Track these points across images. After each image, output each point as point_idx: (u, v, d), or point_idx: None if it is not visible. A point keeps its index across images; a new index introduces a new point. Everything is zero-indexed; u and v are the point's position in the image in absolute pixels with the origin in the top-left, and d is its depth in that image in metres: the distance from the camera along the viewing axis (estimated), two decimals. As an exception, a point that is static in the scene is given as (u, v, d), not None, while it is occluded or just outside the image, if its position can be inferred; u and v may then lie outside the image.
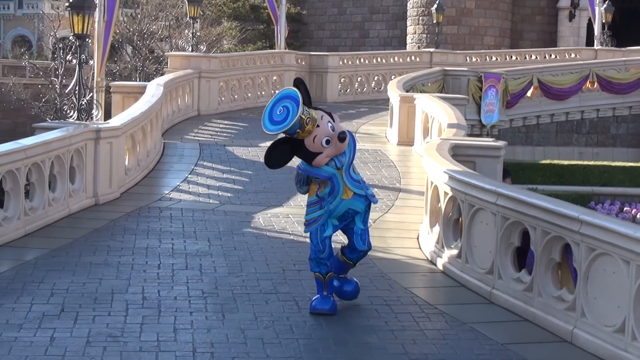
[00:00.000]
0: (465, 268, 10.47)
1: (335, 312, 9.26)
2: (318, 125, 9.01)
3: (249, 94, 30.03)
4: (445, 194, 11.17)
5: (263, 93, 30.55)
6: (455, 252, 10.81)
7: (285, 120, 8.90)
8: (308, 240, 12.12)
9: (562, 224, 8.58)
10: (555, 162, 28.72)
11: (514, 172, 18.73)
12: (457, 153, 13.19)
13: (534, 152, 33.97)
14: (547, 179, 26.35)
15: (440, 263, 11.12)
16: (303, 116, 8.88)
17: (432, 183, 11.80)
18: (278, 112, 8.98)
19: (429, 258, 11.55)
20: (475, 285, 10.17)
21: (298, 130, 8.92)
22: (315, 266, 9.38)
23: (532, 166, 27.46)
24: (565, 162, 28.52)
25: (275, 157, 9.31)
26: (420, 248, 12.14)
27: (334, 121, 9.21)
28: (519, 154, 32.53)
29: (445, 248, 11.07)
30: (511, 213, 9.52)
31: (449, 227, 11.16)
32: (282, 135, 9.09)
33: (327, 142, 9.08)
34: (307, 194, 9.46)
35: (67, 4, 18.02)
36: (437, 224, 11.50)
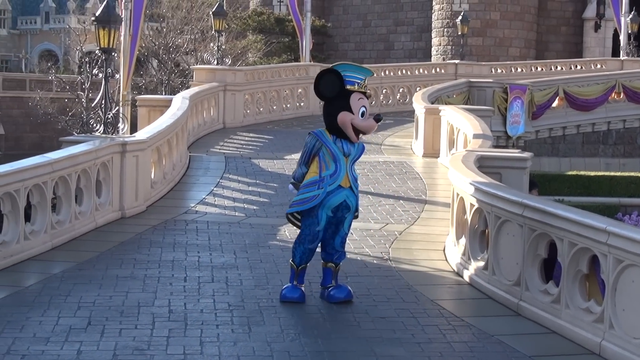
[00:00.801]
0: (492, 280, 10.43)
1: (304, 301, 9.80)
2: (367, 96, 9.74)
3: (274, 107, 30.07)
4: (472, 205, 11.14)
5: (288, 106, 30.59)
6: (481, 263, 10.77)
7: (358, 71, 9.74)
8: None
9: (590, 235, 8.53)
10: (582, 173, 28.60)
11: (541, 184, 18.67)
12: (483, 164, 13.15)
13: (560, 164, 33.84)
14: (574, 190, 26.25)
15: (466, 275, 11.08)
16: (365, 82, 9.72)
17: (458, 195, 11.77)
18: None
19: (456, 270, 11.51)
20: (502, 297, 10.12)
21: (358, 83, 9.61)
22: (297, 256, 9.87)
23: (558, 177, 27.38)
24: (592, 173, 28.40)
25: (325, 83, 9.70)
26: (446, 260, 12.10)
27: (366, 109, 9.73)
28: (545, 165, 32.41)
29: (472, 260, 11.03)
30: (538, 225, 9.47)
31: (475, 239, 11.11)
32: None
33: (362, 114, 9.60)
34: (300, 182, 9.81)
35: (93, 19, 18.11)
36: (464, 236, 11.46)
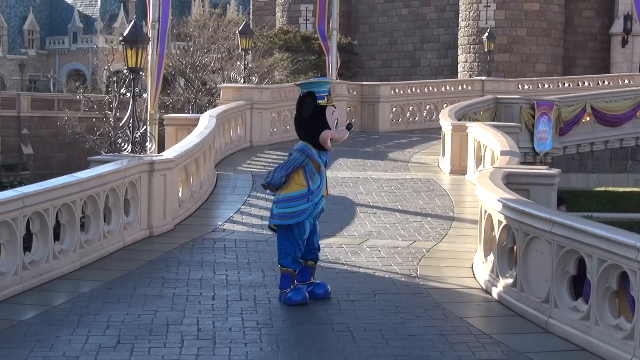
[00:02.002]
0: (521, 297, 10.38)
1: (308, 300, 10.42)
2: (335, 108, 10.55)
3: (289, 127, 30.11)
4: (499, 222, 11.10)
5: (315, 123, 30.56)
6: (510, 280, 10.72)
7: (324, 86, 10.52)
8: (362, 270, 12.17)
9: (619, 252, 8.48)
10: (610, 189, 28.50)
11: (569, 200, 18.60)
12: (511, 181, 13.11)
13: (588, 180, 33.71)
14: (602, 207, 26.14)
15: (495, 292, 11.04)
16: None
17: (485, 212, 11.74)
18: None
19: (484, 287, 11.47)
20: (531, 314, 10.07)
21: (326, 95, 10.38)
22: (291, 263, 10.46)
23: (586, 193, 27.28)
24: (621, 189, 28.29)
25: (306, 108, 10.42)
26: (474, 277, 12.06)
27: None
28: (573, 182, 32.31)
29: (500, 277, 10.99)
30: (566, 241, 9.43)
31: (504, 256, 11.08)
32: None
33: (336, 125, 10.46)
34: (280, 190, 10.40)
35: (121, 39, 18.24)
36: (492, 253, 11.42)
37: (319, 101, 10.35)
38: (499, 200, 11.02)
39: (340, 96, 32.83)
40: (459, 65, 57.93)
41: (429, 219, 16.08)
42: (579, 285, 9.75)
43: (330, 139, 10.41)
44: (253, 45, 40.44)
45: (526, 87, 42.23)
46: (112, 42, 59.60)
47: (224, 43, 53.05)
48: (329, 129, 10.37)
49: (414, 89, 36.82)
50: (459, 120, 24.37)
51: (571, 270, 9.51)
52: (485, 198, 11.65)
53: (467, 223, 15.57)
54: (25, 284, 10.90)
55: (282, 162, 10.63)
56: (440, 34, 62.21)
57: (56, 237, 11.77)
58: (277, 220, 10.43)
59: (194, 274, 11.96)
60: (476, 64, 55.79)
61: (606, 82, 43.64)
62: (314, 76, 54.78)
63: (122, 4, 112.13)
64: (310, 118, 10.40)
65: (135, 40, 17.61)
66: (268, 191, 10.69)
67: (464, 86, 39.76)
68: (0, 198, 10.69)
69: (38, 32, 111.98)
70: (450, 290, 11.49)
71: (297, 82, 11.02)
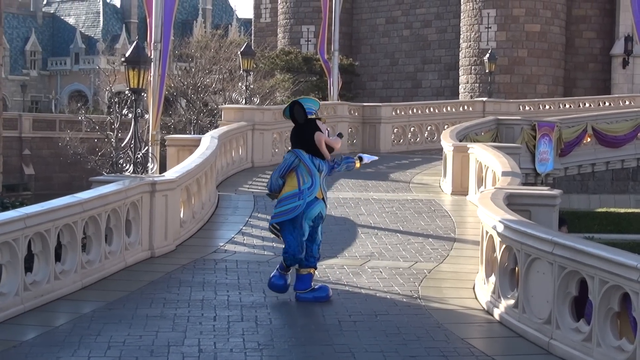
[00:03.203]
0: (523, 318, 10.37)
1: (287, 290, 11.61)
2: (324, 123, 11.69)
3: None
4: (501, 243, 11.10)
5: (316, 144, 30.60)
6: (512, 302, 10.71)
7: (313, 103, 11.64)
8: (364, 291, 12.17)
9: (621, 273, 8.47)
10: (612, 210, 28.49)
11: (570, 221, 18.58)
12: (512, 202, 13.11)
13: (590, 201, 33.71)
14: (604, 228, 26.13)
15: (496, 313, 11.03)
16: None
17: (487, 232, 11.74)
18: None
19: (486, 308, 11.46)
20: (533, 335, 10.06)
21: (314, 111, 11.47)
22: (289, 262, 11.47)
23: (588, 215, 27.27)
24: (622, 210, 28.28)
25: (297, 111, 11.44)
26: (476, 298, 12.05)
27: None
28: (574, 203, 32.31)
29: (502, 298, 10.98)
30: (568, 262, 9.42)
31: (505, 277, 11.07)
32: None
33: (328, 134, 11.54)
34: (278, 193, 11.47)
35: (123, 59, 18.27)
36: (493, 274, 11.42)
37: (309, 116, 11.43)
38: (500, 221, 11.02)
39: (341, 117, 32.90)
40: (460, 87, 58.01)
41: (430, 240, 16.08)
42: (580, 307, 9.75)
43: (326, 145, 11.39)
44: (255, 66, 40.51)
45: (527, 108, 42.30)
46: (114, 63, 59.82)
47: (225, 64, 53.17)
48: (320, 132, 11.39)
49: (415, 110, 36.87)
50: (461, 141, 24.40)
51: (573, 291, 9.50)
52: (487, 219, 11.66)
53: (468, 244, 15.57)
54: (27, 304, 10.89)
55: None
56: (441, 55, 62.34)
57: (57, 257, 11.77)
58: (274, 219, 11.46)
59: (196, 294, 11.96)
60: (477, 85, 55.88)
61: (607, 104, 43.70)
62: (315, 97, 54.90)
63: (124, 25, 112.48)
64: (304, 126, 11.41)
65: (137, 61, 17.62)
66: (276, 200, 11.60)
67: (465, 107, 39.81)
68: (1, 218, 10.70)
69: (40, 53, 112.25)
70: (451, 311, 11.48)
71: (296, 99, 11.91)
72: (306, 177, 11.33)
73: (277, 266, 11.76)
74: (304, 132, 11.43)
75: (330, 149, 11.45)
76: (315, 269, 11.73)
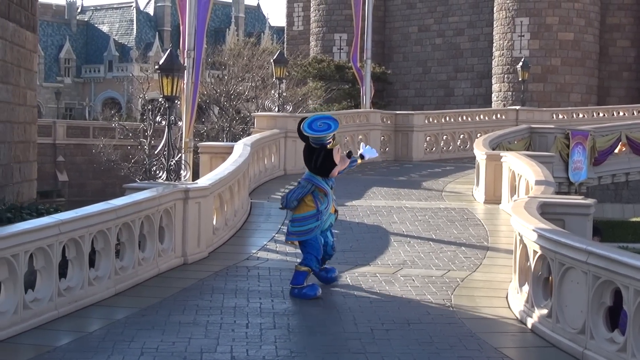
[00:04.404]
0: (556, 328, 10.32)
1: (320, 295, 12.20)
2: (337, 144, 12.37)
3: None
4: (535, 252, 11.05)
5: (349, 152, 30.55)
6: (545, 311, 10.66)
7: (327, 130, 12.20)
8: (396, 299, 12.15)
9: (656, 282, 8.41)
10: (646, 219, 28.27)
11: (604, 230, 18.48)
12: (546, 211, 13.05)
13: (624, 210, 33.54)
14: (638, 237, 25.94)
15: (530, 322, 10.97)
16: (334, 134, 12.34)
17: (520, 241, 11.68)
18: (318, 125, 12.25)
19: (519, 317, 11.40)
20: (567, 345, 10.00)
21: (330, 140, 12.19)
22: (314, 265, 12.41)
23: (622, 224, 27.13)
24: (657, 220, 28.06)
25: (326, 164, 12.28)
26: (509, 307, 11.99)
27: None
28: (608, 212, 32.16)
29: (535, 307, 10.93)
30: (602, 272, 9.37)
31: (539, 286, 11.02)
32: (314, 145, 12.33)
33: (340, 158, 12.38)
34: (294, 210, 12.43)
35: (156, 67, 18.35)
36: (527, 283, 11.36)
37: (327, 146, 12.18)
38: (534, 230, 10.97)
39: (374, 125, 32.87)
40: (492, 95, 57.89)
41: (463, 248, 16.03)
42: (615, 316, 9.68)
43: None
44: (287, 74, 40.57)
45: (560, 116, 42.11)
46: (147, 71, 60.15)
47: (258, 72, 53.30)
48: (336, 165, 12.30)
49: (447, 118, 36.79)
50: (493, 149, 24.31)
51: (607, 301, 9.44)
52: (520, 228, 11.61)
53: (501, 253, 15.50)
54: (61, 310, 10.96)
55: (292, 187, 12.57)
56: (474, 63, 62.25)
57: (91, 263, 11.83)
58: (293, 237, 12.48)
59: (228, 301, 11.98)
60: (510, 93, 55.72)
61: (641, 112, 43.42)
62: (347, 105, 54.95)
63: (157, 33, 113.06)
64: (320, 158, 12.25)
65: (171, 68, 17.69)
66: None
67: (498, 115, 39.68)
68: (36, 225, 10.77)
69: (74, 61, 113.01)
70: (484, 320, 11.44)
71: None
72: (322, 198, 12.33)
73: (294, 277, 12.45)
74: (318, 155, 12.28)
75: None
76: (313, 269, 12.46)
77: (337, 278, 12.97)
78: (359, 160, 13.05)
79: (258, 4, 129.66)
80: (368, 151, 13.21)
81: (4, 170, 20.98)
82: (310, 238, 12.32)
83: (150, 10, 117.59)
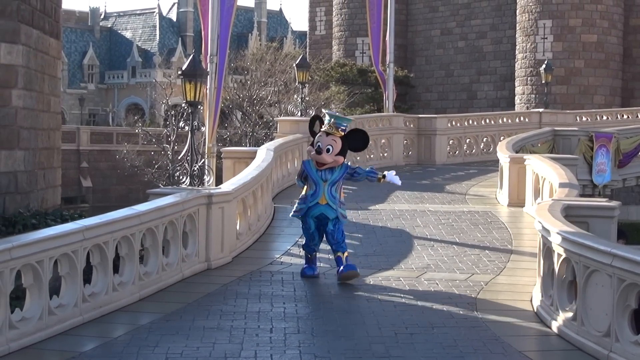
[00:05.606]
0: (581, 331, 10.28)
1: (318, 275, 13.77)
2: (326, 135, 13.39)
3: (358, 157, 30.08)
4: (559, 255, 11.01)
5: (372, 156, 30.63)
6: (570, 314, 10.62)
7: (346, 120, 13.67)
8: (420, 303, 12.18)
9: (681, 285, 8.37)
10: (671, 221, 28.10)
11: (629, 233, 18.40)
12: (570, 214, 13.01)
13: (649, 212, 33.31)
14: (664, 239, 25.77)
15: (554, 326, 10.94)
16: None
17: (544, 244, 11.65)
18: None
19: (543, 320, 11.37)
20: (592, 348, 9.96)
21: (345, 127, 13.37)
22: (305, 248, 13.80)
23: (647, 226, 26.92)
24: (682, 222, 27.89)
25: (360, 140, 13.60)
26: (533, 310, 11.96)
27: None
28: (632, 214, 32.02)
29: (560, 310, 10.89)
30: (627, 275, 9.33)
31: (563, 289, 10.98)
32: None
33: (319, 147, 13.30)
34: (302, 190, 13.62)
35: (179, 72, 18.42)
36: (551, 286, 11.32)
37: (340, 129, 13.38)
38: (558, 233, 10.94)
39: (397, 129, 32.84)
40: (516, 97, 57.74)
41: (487, 251, 15.99)
42: (640, 319, 9.64)
43: (319, 157, 13.24)
44: (310, 78, 40.56)
45: (584, 119, 41.95)
46: (170, 76, 60.22)
47: (280, 76, 53.35)
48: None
49: (470, 122, 36.72)
50: (517, 152, 24.24)
51: (632, 304, 9.39)
52: (544, 231, 11.57)
53: (525, 256, 15.46)
54: (85, 315, 11.00)
55: None
56: (497, 66, 62.11)
57: (115, 269, 11.87)
58: (292, 214, 13.87)
59: (252, 306, 11.99)
60: (533, 96, 55.56)
61: (666, 114, 43.20)
62: (370, 109, 54.97)
63: (180, 39, 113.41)
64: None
65: (194, 74, 17.76)
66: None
67: (521, 118, 39.58)
68: (61, 231, 10.82)
69: (98, 67, 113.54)
70: (509, 324, 11.41)
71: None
72: (312, 185, 13.40)
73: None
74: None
75: (325, 159, 13.23)
76: (343, 252, 13.45)
77: (311, 276, 13.74)
78: (380, 177, 13.73)
79: (280, 9, 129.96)
80: (391, 176, 13.79)
81: (28, 176, 21.09)
82: (301, 219, 13.59)
83: (173, 16, 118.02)
